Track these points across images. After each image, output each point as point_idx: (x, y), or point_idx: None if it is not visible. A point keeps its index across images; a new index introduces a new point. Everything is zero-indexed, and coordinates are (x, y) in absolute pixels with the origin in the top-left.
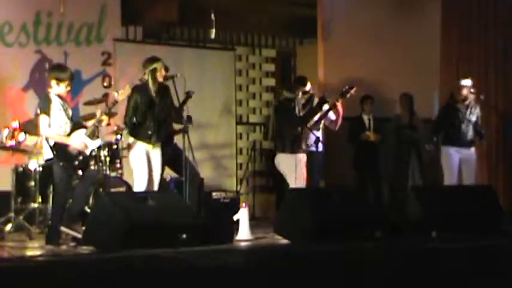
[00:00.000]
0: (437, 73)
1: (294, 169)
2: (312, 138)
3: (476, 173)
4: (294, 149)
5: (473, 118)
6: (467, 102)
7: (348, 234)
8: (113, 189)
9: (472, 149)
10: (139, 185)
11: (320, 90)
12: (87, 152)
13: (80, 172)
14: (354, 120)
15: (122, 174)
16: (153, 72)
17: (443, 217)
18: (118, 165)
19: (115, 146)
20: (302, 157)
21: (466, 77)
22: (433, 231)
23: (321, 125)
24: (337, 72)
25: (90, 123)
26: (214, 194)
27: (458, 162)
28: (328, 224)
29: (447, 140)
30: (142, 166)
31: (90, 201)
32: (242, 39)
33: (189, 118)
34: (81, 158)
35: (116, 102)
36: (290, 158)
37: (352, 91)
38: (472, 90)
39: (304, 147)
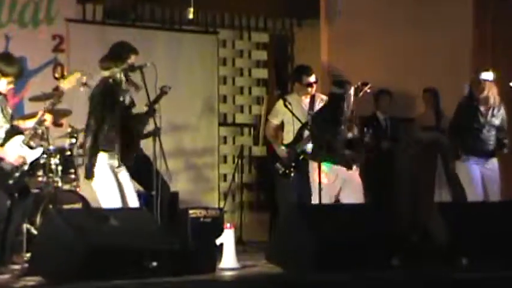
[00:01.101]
0: (468, 63)
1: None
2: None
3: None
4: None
5: (497, 122)
6: (490, 102)
7: (357, 261)
8: (66, 206)
9: (495, 161)
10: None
11: (324, 86)
12: (26, 167)
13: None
14: (366, 120)
15: (77, 186)
16: (126, 70)
17: (477, 240)
18: (72, 175)
19: (68, 152)
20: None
21: (487, 70)
22: (463, 257)
23: None
24: (344, 61)
25: (29, 124)
26: (192, 211)
27: (480, 175)
28: (333, 248)
29: (464, 148)
30: (108, 182)
31: (38, 220)
32: (227, 20)
33: (157, 129)
34: (17, 174)
35: (61, 94)
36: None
37: (367, 88)
38: (493, 86)
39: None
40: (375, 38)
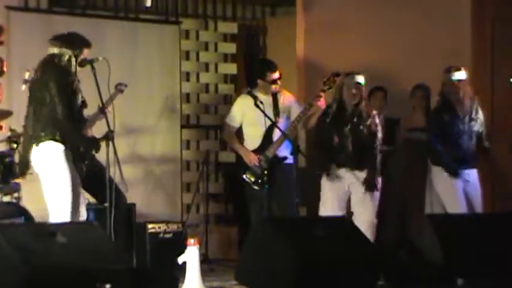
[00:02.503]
0: (466, 58)
1: None
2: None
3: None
4: None
5: (476, 127)
6: (466, 105)
7: (339, 282)
8: (5, 221)
9: (475, 172)
10: (60, 215)
11: (301, 80)
12: None
13: None
14: None
15: (19, 198)
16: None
17: (474, 257)
18: (13, 185)
19: (8, 159)
20: None
21: (459, 69)
22: (458, 277)
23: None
24: (324, 54)
25: None
26: (150, 226)
27: (462, 188)
28: (311, 268)
29: (440, 158)
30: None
31: None
32: (190, 8)
33: (111, 133)
34: None
35: None
36: None
37: (339, 80)
38: (467, 86)
39: None
40: (359, 26)
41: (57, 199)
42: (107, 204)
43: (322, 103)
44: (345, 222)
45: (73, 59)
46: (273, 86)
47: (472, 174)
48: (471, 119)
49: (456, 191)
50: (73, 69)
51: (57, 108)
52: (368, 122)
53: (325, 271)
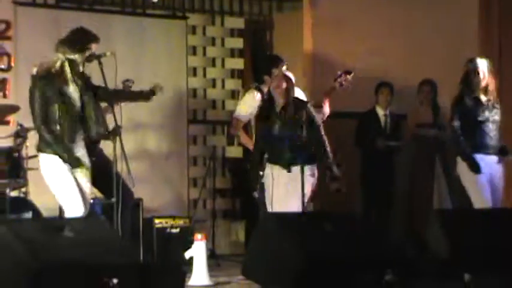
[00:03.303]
0: (474, 48)
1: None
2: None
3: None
4: None
5: (497, 117)
6: (489, 94)
7: (346, 277)
8: (13, 216)
9: (498, 160)
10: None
11: (308, 75)
12: None
13: None
14: (364, 116)
15: (26, 193)
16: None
17: (481, 253)
18: (21, 180)
19: (16, 154)
20: None
21: (483, 58)
22: (465, 273)
23: None
24: (331, 49)
25: None
26: (157, 221)
27: (487, 178)
28: (319, 263)
29: (464, 153)
30: (67, 183)
31: None
32: (197, 3)
33: (118, 128)
34: None
35: None
36: None
37: (350, 77)
38: (491, 77)
39: None
40: (366, 21)
41: (67, 201)
42: (114, 200)
43: (326, 105)
44: (352, 217)
45: (65, 64)
46: None
47: (496, 164)
48: (494, 107)
49: (482, 187)
50: (66, 75)
51: (36, 121)
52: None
53: (331, 266)
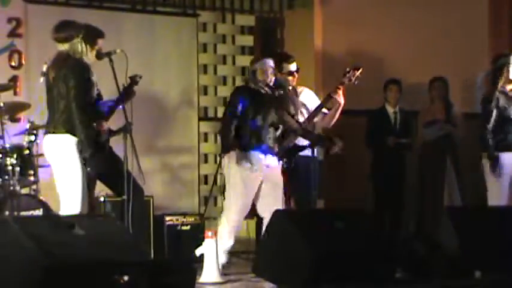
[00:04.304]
0: (484, 47)
1: None
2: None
3: None
4: None
5: None
6: None
7: (357, 275)
8: (23, 213)
9: None
10: (71, 206)
11: (318, 72)
12: None
13: None
14: (373, 114)
15: (37, 190)
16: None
17: (492, 251)
18: (32, 178)
19: (27, 151)
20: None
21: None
22: (476, 270)
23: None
24: (342, 46)
25: None
26: (168, 218)
27: (510, 175)
28: (329, 261)
29: (497, 143)
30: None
31: None
32: (208, 0)
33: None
34: None
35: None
36: None
37: (358, 73)
38: None
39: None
40: (376, 19)
41: (68, 189)
42: (125, 197)
43: (340, 96)
44: (363, 215)
45: (84, 46)
46: (289, 78)
47: None
48: None
49: (501, 188)
50: (89, 58)
51: (72, 103)
52: None
53: (342, 264)
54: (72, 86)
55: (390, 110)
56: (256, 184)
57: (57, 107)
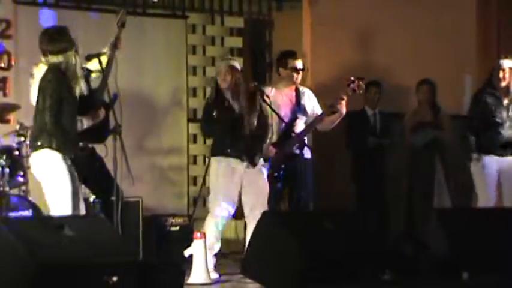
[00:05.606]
0: (471, 50)
1: None
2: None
3: None
4: None
5: None
6: (511, 93)
7: (345, 276)
8: (13, 214)
9: None
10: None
11: (307, 75)
12: None
13: None
14: (353, 116)
15: (26, 191)
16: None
17: (479, 252)
18: (21, 178)
19: (16, 152)
20: None
21: (508, 57)
22: (463, 271)
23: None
24: (330, 49)
25: None
26: (157, 219)
27: (497, 177)
28: (318, 262)
29: (481, 145)
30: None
31: None
32: (197, 2)
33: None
34: None
35: None
36: None
37: (362, 84)
38: None
39: None
40: (365, 21)
41: (58, 203)
42: (113, 198)
43: (343, 106)
44: (352, 216)
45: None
46: (294, 74)
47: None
48: None
49: (488, 179)
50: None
51: (45, 117)
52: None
53: (331, 264)
54: (46, 101)
55: (370, 111)
56: (237, 173)
57: (36, 121)
